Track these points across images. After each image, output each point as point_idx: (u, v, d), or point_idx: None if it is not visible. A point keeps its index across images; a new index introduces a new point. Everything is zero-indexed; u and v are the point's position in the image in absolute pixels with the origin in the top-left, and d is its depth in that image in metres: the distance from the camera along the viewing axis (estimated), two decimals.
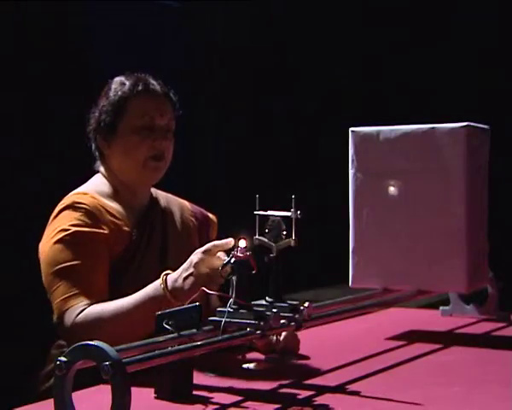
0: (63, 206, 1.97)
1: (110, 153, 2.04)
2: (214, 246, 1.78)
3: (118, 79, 2.07)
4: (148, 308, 1.76)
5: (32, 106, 3.55)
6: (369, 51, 5.58)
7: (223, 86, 5.07)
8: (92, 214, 1.95)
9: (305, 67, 5.57)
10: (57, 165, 3.56)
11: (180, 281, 1.79)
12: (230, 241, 1.72)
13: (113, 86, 2.05)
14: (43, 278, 1.94)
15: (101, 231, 1.94)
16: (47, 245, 1.93)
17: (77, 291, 1.87)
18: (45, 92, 3.57)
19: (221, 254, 1.73)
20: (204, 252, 1.78)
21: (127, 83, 2.04)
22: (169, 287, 1.80)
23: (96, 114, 2.05)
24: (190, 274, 1.77)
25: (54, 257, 1.91)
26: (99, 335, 1.72)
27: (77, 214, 1.94)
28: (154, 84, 2.06)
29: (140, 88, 2.03)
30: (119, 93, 2.03)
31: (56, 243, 1.91)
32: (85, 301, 1.86)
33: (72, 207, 1.95)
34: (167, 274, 1.82)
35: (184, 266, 1.80)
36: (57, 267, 1.90)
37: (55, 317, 1.91)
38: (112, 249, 1.95)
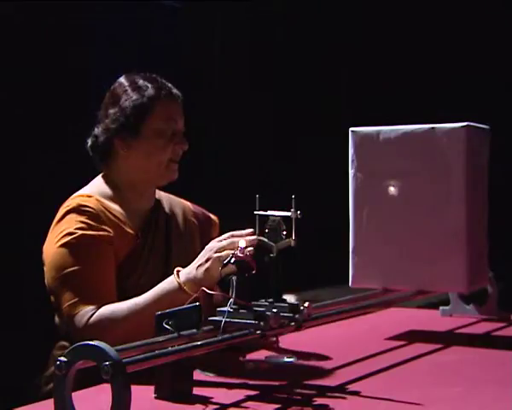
0: (68, 208, 1.95)
1: (128, 154, 2.02)
2: (231, 235, 1.81)
3: (135, 80, 2.03)
4: (162, 304, 1.77)
5: (32, 105, 3.54)
6: (370, 51, 5.58)
7: (222, 86, 5.07)
8: (97, 217, 1.94)
9: (306, 66, 5.57)
10: (58, 165, 3.56)
11: (193, 271, 1.82)
12: (250, 231, 1.77)
13: (132, 88, 2.02)
14: (48, 281, 1.93)
15: (107, 233, 1.94)
16: (52, 248, 1.92)
17: (86, 295, 1.87)
18: (45, 92, 3.57)
19: (241, 241, 1.68)
20: (220, 240, 1.82)
21: (149, 85, 2.02)
22: (182, 278, 1.83)
23: (118, 115, 2.01)
24: (204, 262, 1.81)
25: (60, 261, 1.90)
26: (113, 335, 1.73)
27: (82, 217, 1.93)
28: (173, 87, 2.06)
29: (164, 92, 2.02)
30: (146, 95, 2.00)
31: (62, 246, 1.90)
32: (95, 305, 1.86)
33: (77, 210, 1.94)
34: (179, 271, 1.86)
35: (199, 256, 1.84)
36: (64, 271, 1.89)
37: (60, 320, 1.91)
38: (117, 252, 1.95)
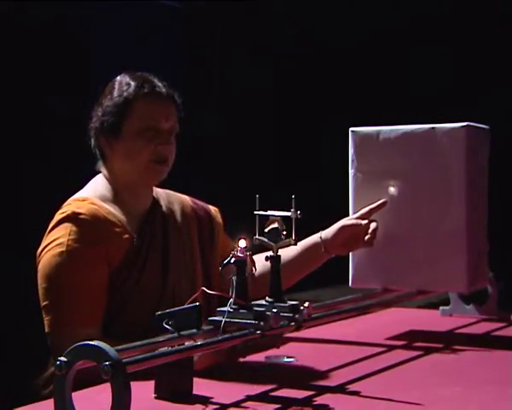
0: (63, 215, 1.93)
1: (112, 154, 2.00)
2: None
3: (122, 79, 2.01)
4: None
5: (32, 106, 3.54)
6: (369, 51, 5.58)
7: (222, 86, 5.08)
8: (91, 228, 1.91)
9: (305, 66, 5.56)
10: (57, 165, 3.56)
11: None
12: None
13: (118, 86, 1.99)
14: (38, 285, 1.91)
15: (100, 246, 1.91)
16: (44, 256, 1.90)
17: (65, 314, 1.86)
18: (44, 92, 3.57)
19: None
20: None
21: (132, 84, 1.98)
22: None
23: (99, 114, 1.99)
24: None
25: (49, 271, 1.88)
26: None
27: (75, 228, 1.90)
28: (160, 86, 2.01)
29: (146, 90, 1.98)
30: (125, 94, 1.97)
31: (53, 256, 1.88)
32: (72, 328, 1.84)
33: (72, 219, 1.91)
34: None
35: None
36: (51, 283, 1.88)
37: (46, 328, 1.90)
38: (111, 260, 1.92)
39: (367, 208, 2.14)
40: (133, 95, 1.97)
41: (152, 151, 1.98)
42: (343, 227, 2.11)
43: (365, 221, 2.11)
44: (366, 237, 2.09)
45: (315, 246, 2.13)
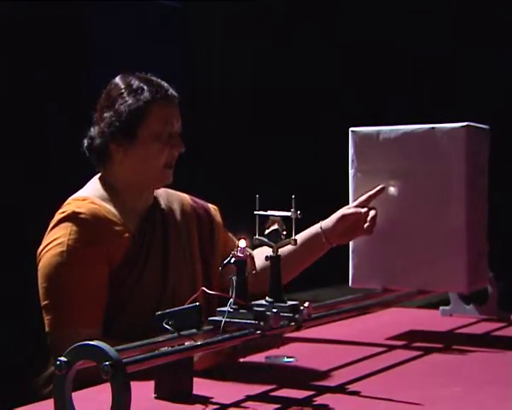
0: (63, 215, 1.92)
1: (124, 157, 1.99)
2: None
3: (130, 82, 1.99)
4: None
5: (32, 106, 3.55)
6: (370, 51, 5.58)
7: (222, 86, 5.08)
8: (91, 227, 1.91)
9: (305, 66, 5.57)
10: (57, 166, 3.56)
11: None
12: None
13: (128, 90, 1.98)
14: (39, 285, 1.91)
15: (101, 245, 1.91)
16: (44, 255, 1.90)
17: (64, 315, 1.86)
18: (44, 93, 3.57)
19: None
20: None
21: (145, 87, 1.98)
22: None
23: (113, 118, 1.97)
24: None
25: (49, 270, 1.88)
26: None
27: (75, 228, 1.90)
28: (170, 88, 2.02)
29: (161, 94, 1.99)
30: (142, 98, 1.97)
31: (53, 256, 1.88)
32: (72, 328, 1.84)
33: (72, 218, 1.91)
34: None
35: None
36: (51, 283, 1.88)
37: (46, 328, 1.90)
38: (112, 259, 1.92)
39: (365, 196, 2.15)
40: (150, 99, 1.97)
41: (168, 155, 1.99)
42: (343, 216, 2.12)
43: (365, 209, 2.12)
44: (365, 225, 2.10)
45: (315, 236, 2.13)
